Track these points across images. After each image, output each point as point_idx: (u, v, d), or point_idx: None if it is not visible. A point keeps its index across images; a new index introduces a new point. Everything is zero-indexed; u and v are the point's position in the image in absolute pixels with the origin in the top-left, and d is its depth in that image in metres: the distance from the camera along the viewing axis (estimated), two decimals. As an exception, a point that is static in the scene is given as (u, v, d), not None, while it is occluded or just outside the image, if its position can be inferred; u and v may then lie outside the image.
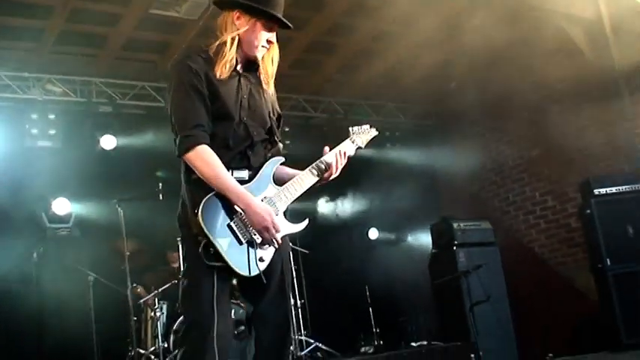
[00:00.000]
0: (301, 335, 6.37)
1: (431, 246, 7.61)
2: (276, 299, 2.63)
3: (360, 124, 2.93)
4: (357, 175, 7.22)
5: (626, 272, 6.02)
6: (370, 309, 7.28)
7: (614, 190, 6.34)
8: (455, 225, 7.21)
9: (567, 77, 6.64)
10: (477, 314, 6.52)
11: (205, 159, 2.44)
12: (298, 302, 6.45)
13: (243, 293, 2.87)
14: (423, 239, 8.36)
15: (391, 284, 8.04)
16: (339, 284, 7.65)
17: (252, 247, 2.47)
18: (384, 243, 8.87)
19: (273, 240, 2.49)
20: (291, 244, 3.18)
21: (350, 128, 2.95)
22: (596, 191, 6.36)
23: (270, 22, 2.64)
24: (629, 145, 6.76)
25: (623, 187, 6.32)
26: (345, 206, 8.61)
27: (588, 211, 6.39)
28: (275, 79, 2.73)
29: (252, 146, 2.61)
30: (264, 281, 2.49)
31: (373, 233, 8.85)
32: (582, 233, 6.77)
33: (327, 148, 2.79)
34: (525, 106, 7.62)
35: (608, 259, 6.11)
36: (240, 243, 2.45)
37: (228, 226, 2.45)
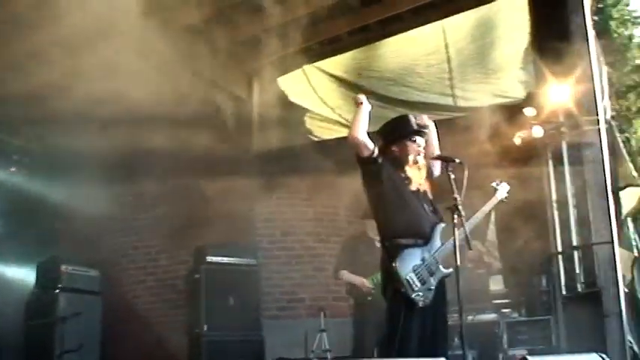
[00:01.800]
0: None
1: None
2: None
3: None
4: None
5: (220, 340, 7.12)
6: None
7: (225, 259, 7.53)
8: (63, 267, 7.44)
9: (209, 146, 7.71)
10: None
11: None
12: None
13: None
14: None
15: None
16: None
17: None
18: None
19: None
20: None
21: None
22: (208, 258, 7.44)
23: None
24: (248, 220, 8.12)
25: (234, 258, 7.57)
26: None
27: (197, 275, 7.38)
28: None
29: None
30: None
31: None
32: (187, 296, 7.72)
33: None
34: (160, 164, 8.20)
35: (205, 325, 7.12)
36: None
37: None
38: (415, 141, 4.78)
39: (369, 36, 8.50)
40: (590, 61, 6.57)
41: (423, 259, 4.52)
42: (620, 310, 6.10)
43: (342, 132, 9.37)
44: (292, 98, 9.22)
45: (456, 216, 4.42)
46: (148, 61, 6.77)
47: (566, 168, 6.71)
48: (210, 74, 7.93)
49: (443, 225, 4.65)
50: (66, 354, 6.87)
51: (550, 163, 6.94)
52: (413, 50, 8.43)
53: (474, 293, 7.75)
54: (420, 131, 4.82)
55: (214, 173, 7.94)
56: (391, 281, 4.49)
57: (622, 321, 6.07)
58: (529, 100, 7.35)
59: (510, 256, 8.84)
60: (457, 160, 4.61)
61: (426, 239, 4.58)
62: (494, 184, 5.19)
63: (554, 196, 6.86)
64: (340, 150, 9.22)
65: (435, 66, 8.46)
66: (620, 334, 6.05)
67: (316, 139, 9.57)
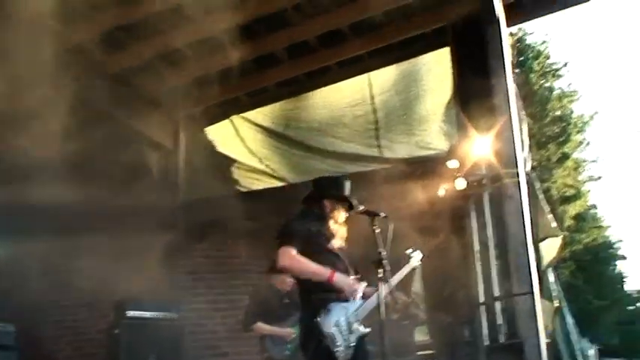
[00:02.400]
0: None
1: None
2: None
3: None
4: None
5: None
6: None
7: (146, 314, 7.47)
8: (-25, 324, 7.22)
9: (134, 196, 7.75)
10: None
11: None
12: None
13: None
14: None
15: None
16: None
17: None
18: None
19: None
20: None
21: None
22: (128, 312, 7.35)
23: None
24: (171, 272, 8.12)
25: (155, 312, 7.53)
26: None
27: (116, 331, 7.29)
28: None
29: None
30: None
31: None
32: (107, 352, 7.63)
33: None
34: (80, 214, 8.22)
35: (125, 381, 7.09)
36: None
37: None
38: (345, 205, 4.96)
39: (296, 88, 8.75)
40: (511, 114, 6.82)
41: (345, 316, 4.57)
42: None
43: (270, 182, 9.57)
44: (220, 148, 9.37)
45: (380, 270, 4.54)
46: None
47: (488, 219, 6.92)
48: (135, 123, 7.96)
49: (364, 284, 4.76)
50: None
51: (473, 214, 7.14)
52: (340, 101, 8.71)
53: (399, 345, 7.94)
54: (352, 204, 4.96)
55: (139, 223, 7.95)
56: (312, 336, 4.51)
57: None
58: (452, 152, 7.61)
59: (435, 307, 9.08)
60: (382, 214, 4.74)
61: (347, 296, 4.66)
62: (408, 252, 5.26)
63: (476, 247, 7.05)
64: (267, 200, 9.47)
65: (361, 117, 8.75)
66: None
67: (244, 189, 9.72)
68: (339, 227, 4.92)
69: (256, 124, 9.08)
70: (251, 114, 9.02)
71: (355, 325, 4.58)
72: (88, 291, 8.18)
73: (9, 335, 7.51)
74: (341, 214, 4.94)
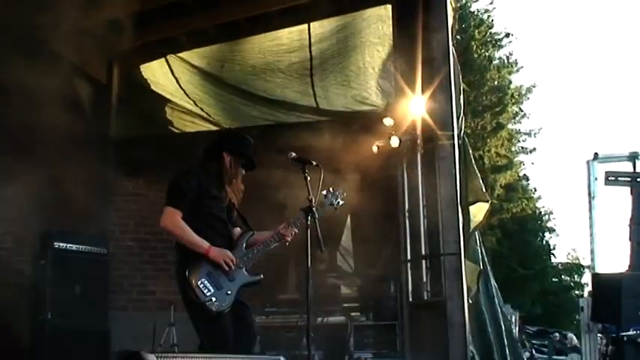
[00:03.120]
0: None
1: None
2: None
3: None
4: None
5: (64, 328, 7.15)
6: None
7: (73, 247, 7.59)
8: None
9: (63, 127, 7.77)
10: None
11: None
12: None
13: None
14: None
15: None
16: None
17: None
18: None
19: None
20: None
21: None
22: (55, 244, 7.47)
23: None
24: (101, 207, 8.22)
25: (84, 246, 7.63)
26: None
27: (42, 261, 7.38)
28: None
29: None
30: None
31: None
32: (32, 282, 7.71)
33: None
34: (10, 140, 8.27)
35: (50, 313, 7.16)
36: None
37: None
38: (245, 165, 5.13)
39: (235, 32, 8.81)
40: (449, 76, 7.02)
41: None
42: (464, 321, 6.47)
43: (204, 126, 9.71)
44: (154, 87, 9.46)
45: (309, 217, 4.84)
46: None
47: (420, 179, 7.14)
48: (66, 52, 7.95)
49: (250, 233, 5.04)
50: None
51: (404, 173, 7.38)
52: (277, 47, 8.78)
53: (325, 296, 8.27)
54: (253, 163, 5.18)
55: (67, 156, 7.99)
56: (184, 289, 4.69)
57: (465, 331, 6.45)
58: (388, 110, 7.85)
59: (362, 262, 9.43)
60: (314, 163, 4.99)
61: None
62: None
63: (407, 206, 7.29)
64: (199, 144, 9.59)
65: (297, 63, 8.88)
66: (463, 343, 6.40)
67: (177, 130, 9.84)
68: (235, 184, 5.08)
69: (192, 65, 9.16)
70: (187, 54, 9.07)
71: (236, 272, 4.82)
72: (12, 220, 8.25)
73: None
74: (239, 172, 5.09)
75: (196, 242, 4.71)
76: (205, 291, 4.61)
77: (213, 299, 4.63)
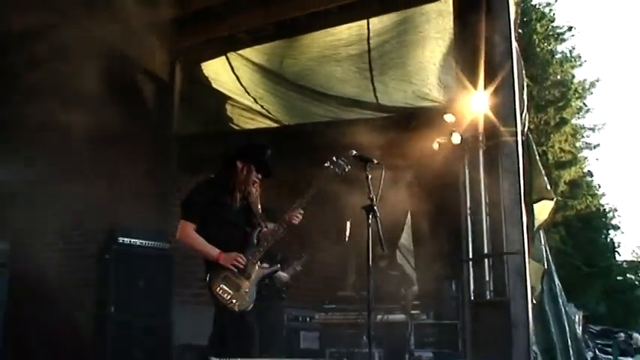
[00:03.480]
0: None
1: None
2: None
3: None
4: None
5: (127, 322, 7.30)
6: None
7: (137, 242, 7.69)
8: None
9: (128, 126, 7.90)
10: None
11: None
12: None
13: None
14: None
15: None
16: None
17: None
18: None
19: None
20: None
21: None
22: (120, 239, 7.52)
23: None
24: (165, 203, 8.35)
25: (146, 241, 7.72)
26: None
27: (107, 256, 7.51)
28: None
29: None
30: None
31: None
32: (97, 276, 7.85)
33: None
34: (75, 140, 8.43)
35: (113, 307, 7.29)
36: None
37: None
38: (259, 173, 5.42)
39: (295, 29, 8.80)
40: (512, 72, 6.83)
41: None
42: (527, 321, 6.30)
43: (264, 123, 9.76)
44: (215, 85, 9.54)
45: (371, 216, 4.85)
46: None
47: (482, 177, 7.00)
48: (130, 51, 8.08)
49: (259, 229, 5.34)
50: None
51: (466, 171, 7.21)
52: (335, 40, 8.74)
53: (386, 294, 8.22)
54: (269, 169, 5.46)
55: (132, 154, 8.13)
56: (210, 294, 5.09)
57: (528, 331, 6.28)
58: (449, 106, 7.71)
59: (423, 260, 9.34)
60: (375, 161, 5.02)
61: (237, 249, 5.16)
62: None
63: (468, 204, 7.13)
64: (260, 140, 9.64)
65: (355, 55, 8.79)
66: (526, 344, 6.25)
67: (237, 127, 9.91)
68: (247, 189, 5.36)
69: (252, 62, 9.19)
70: (247, 51, 9.11)
71: (250, 269, 5.13)
72: (80, 216, 8.43)
73: (3, 253, 7.76)
74: (251, 178, 5.36)
75: (208, 251, 5.12)
76: (225, 295, 5.01)
77: (234, 301, 5.02)
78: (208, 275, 5.09)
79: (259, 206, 5.49)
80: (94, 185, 8.28)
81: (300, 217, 5.29)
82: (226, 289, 5.02)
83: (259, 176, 5.41)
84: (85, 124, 7.77)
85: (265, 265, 5.26)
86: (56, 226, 8.95)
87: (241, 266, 5.06)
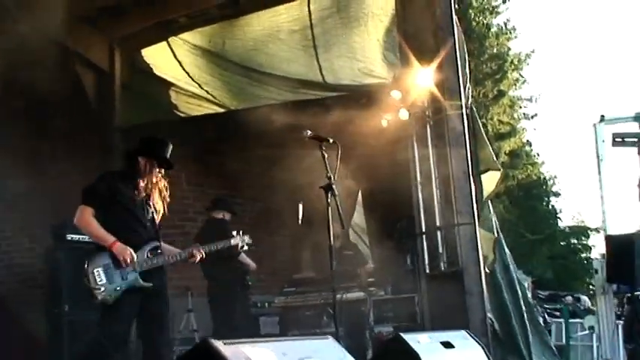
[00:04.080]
0: None
1: None
2: None
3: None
4: None
5: (82, 320, 7.09)
6: None
7: (86, 238, 7.55)
8: None
9: (68, 118, 7.69)
10: None
11: None
12: None
13: None
14: None
15: None
16: None
17: None
18: None
19: None
20: None
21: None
22: (68, 236, 7.38)
23: None
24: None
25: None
26: None
27: (56, 254, 7.39)
28: None
29: None
30: None
31: None
32: (47, 275, 7.68)
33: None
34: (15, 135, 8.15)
35: (66, 305, 7.16)
36: None
37: None
38: (161, 168, 5.49)
39: (236, 10, 8.62)
40: (455, 47, 6.91)
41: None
42: (482, 289, 6.48)
43: (210, 109, 9.57)
44: (157, 72, 9.30)
45: (329, 194, 4.80)
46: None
47: (430, 151, 7.06)
48: (67, 41, 7.82)
49: (157, 243, 5.43)
50: None
51: (415, 146, 7.26)
52: (276, 18, 8.57)
53: (343, 273, 8.20)
54: (170, 164, 5.53)
55: (74, 147, 7.91)
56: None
57: (483, 299, 6.46)
58: (395, 82, 7.72)
59: (376, 237, 9.34)
60: (331, 140, 5.02)
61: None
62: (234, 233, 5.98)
63: (418, 179, 7.20)
64: (207, 127, 9.50)
65: (297, 32, 8.62)
66: (482, 312, 6.43)
67: (183, 115, 9.70)
68: (153, 186, 5.44)
69: (194, 46, 8.98)
70: (188, 35, 8.91)
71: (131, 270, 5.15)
72: (24, 214, 8.19)
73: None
74: (154, 172, 5.42)
75: (103, 235, 5.14)
76: (98, 280, 5.06)
77: (101, 289, 5.06)
78: (91, 257, 5.15)
79: (166, 199, 5.55)
80: (38, 182, 8.03)
81: (201, 256, 5.50)
82: (102, 276, 5.06)
83: (161, 171, 5.47)
84: (24, 118, 7.55)
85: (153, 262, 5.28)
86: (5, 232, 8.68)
87: (127, 264, 5.08)
